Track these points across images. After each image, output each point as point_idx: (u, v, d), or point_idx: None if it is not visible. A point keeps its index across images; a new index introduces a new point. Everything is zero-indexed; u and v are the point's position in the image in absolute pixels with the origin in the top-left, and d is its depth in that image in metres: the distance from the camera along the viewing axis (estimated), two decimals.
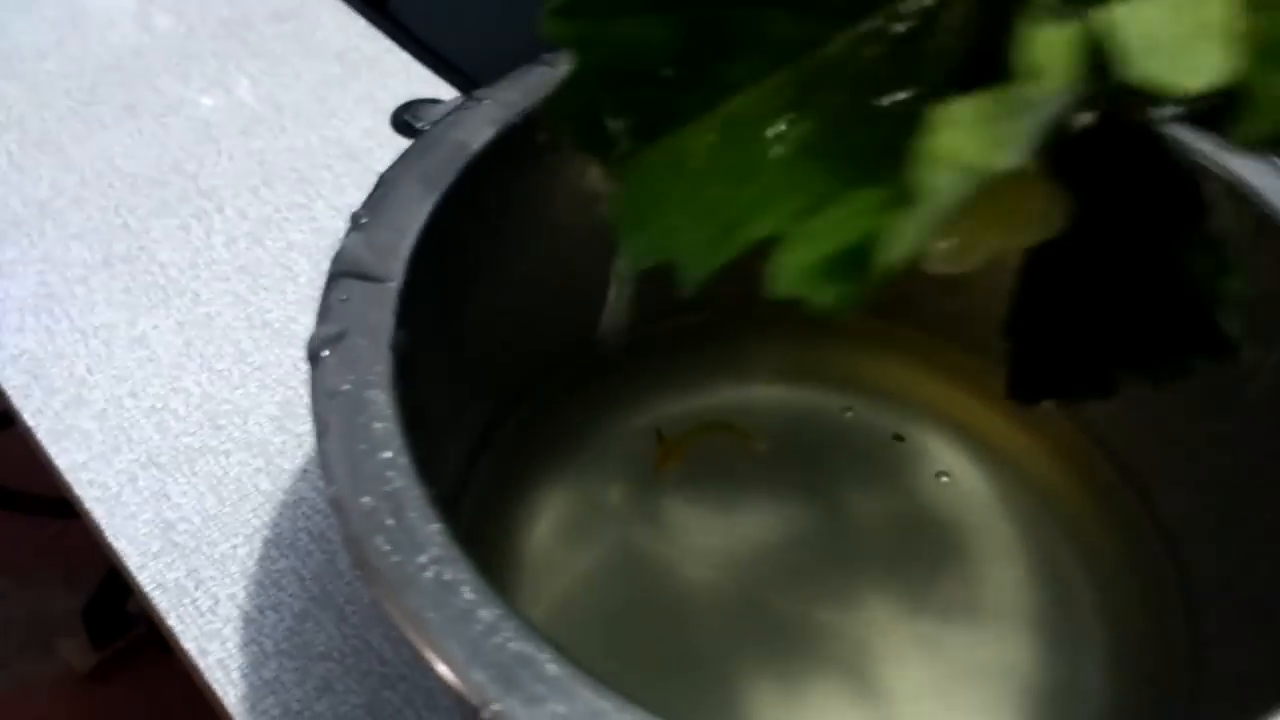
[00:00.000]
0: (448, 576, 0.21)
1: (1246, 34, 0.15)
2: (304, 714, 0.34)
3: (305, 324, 0.44)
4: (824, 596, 0.34)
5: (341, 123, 0.52)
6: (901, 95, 0.17)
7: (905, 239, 0.15)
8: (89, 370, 0.42)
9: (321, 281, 0.44)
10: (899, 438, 0.38)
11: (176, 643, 0.36)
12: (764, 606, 0.34)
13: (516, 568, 0.33)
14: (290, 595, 0.37)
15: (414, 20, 0.56)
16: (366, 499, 0.22)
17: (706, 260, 0.18)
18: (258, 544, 0.38)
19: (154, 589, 0.37)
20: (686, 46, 0.18)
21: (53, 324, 0.44)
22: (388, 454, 0.23)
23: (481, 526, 0.32)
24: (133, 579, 0.37)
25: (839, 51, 0.17)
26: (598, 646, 0.32)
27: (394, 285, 0.26)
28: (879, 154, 0.16)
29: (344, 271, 0.26)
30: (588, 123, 0.19)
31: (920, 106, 0.15)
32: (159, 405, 0.41)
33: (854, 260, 0.16)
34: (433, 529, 0.21)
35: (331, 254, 0.44)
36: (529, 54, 0.55)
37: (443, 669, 0.20)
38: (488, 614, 0.20)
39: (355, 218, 0.27)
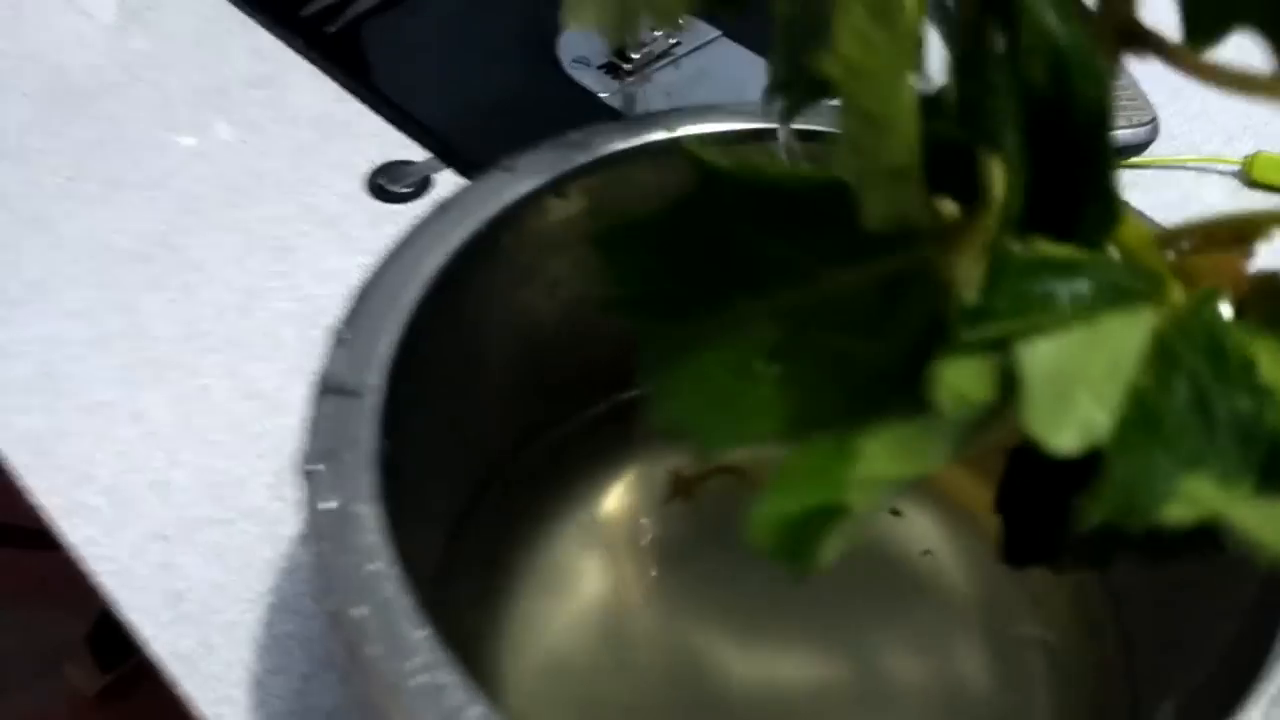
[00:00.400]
0: (437, 680, 0.23)
1: (1136, 390, 0.15)
2: None
3: (296, 393, 0.46)
4: (790, 659, 0.37)
5: (319, 189, 0.54)
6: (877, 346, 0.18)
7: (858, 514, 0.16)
8: (94, 447, 0.45)
9: (308, 350, 0.47)
10: (895, 513, 0.41)
11: (193, 706, 0.39)
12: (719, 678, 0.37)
13: (500, 647, 0.36)
14: (294, 659, 0.40)
15: (386, 84, 0.59)
16: (358, 610, 0.25)
17: (720, 443, 0.19)
18: (262, 609, 0.41)
19: (167, 657, 0.40)
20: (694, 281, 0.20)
21: (55, 403, 0.46)
22: (377, 565, 0.25)
23: (467, 607, 0.35)
24: (148, 649, 0.40)
25: (830, 291, 0.18)
26: None
27: (374, 400, 0.28)
28: (855, 399, 0.18)
29: (328, 388, 0.29)
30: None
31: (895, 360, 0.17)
32: (161, 479, 0.44)
33: (821, 521, 0.17)
34: (420, 636, 0.24)
35: (315, 321, 0.47)
36: (499, 116, 0.57)
37: None
38: (474, 713, 0.23)
39: (338, 335, 0.30)
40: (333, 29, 0.61)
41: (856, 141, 0.17)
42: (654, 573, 0.39)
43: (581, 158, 0.34)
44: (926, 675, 0.37)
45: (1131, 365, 0.16)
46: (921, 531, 0.41)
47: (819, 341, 0.18)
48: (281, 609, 0.41)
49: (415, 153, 0.56)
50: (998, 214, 0.16)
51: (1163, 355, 0.16)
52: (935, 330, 0.17)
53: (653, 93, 0.59)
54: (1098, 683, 0.36)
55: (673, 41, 0.61)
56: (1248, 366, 0.16)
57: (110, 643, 1.14)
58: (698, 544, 0.41)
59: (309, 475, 0.27)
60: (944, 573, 0.40)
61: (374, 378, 0.29)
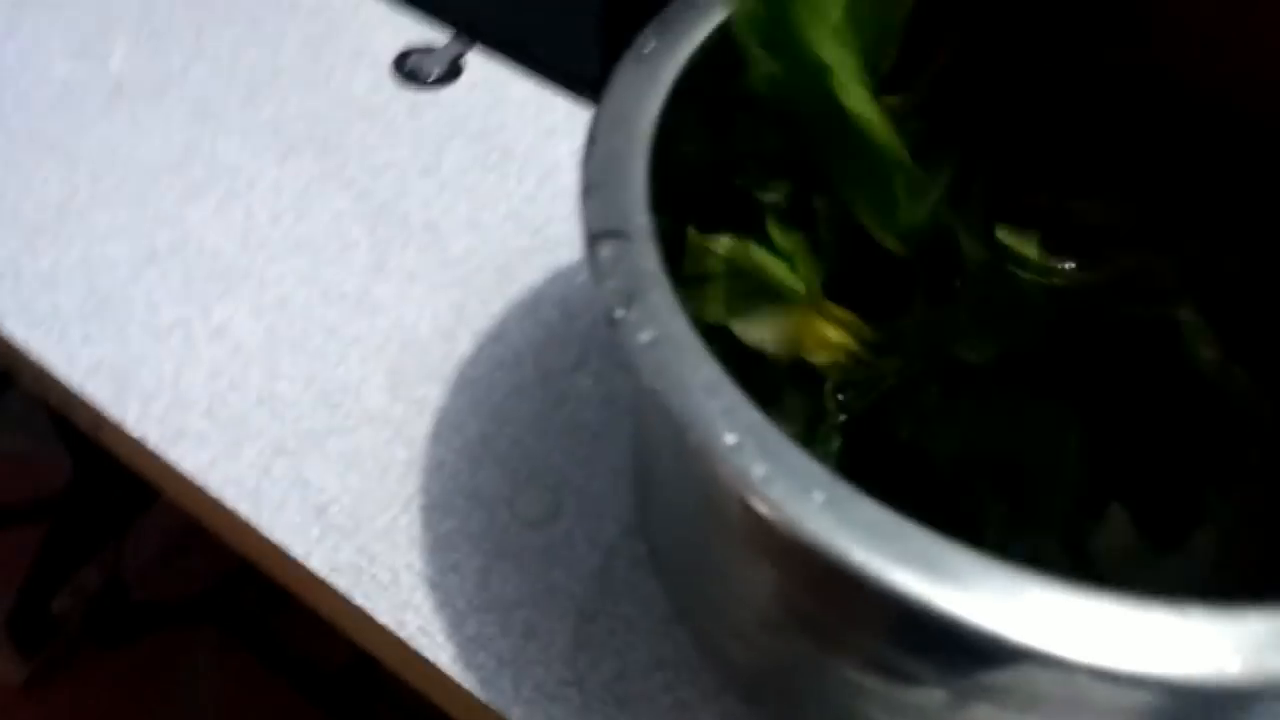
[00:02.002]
0: (838, 505, 0.23)
1: None
2: (517, 661, 0.36)
3: (384, 292, 0.44)
4: None
5: (346, 80, 0.51)
6: None
7: None
8: (178, 369, 0.41)
9: (381, 246, 0.44)
10: None
11: (369, 619, 0.37)
12: None
13: None
14: (465, 554, 0.38)
15: None
16: (729, 437, 0.24)
17: None
18: (415, 511, 0.39)
19: (329, 573, 0.37)
20: None
21: (118, 329, 0.42)
22: (726, 400, 0.24)
23: None
24: (301, 567, 0.38)
25: None
26: None
27: (645, 237, 0.27)
28: None
29: (599, 235, 0.27)
30: None
31: None
32: (265, 394, 0.41)
33: None
34: (807, 461, 0.23)
35: (381, 218, 0.44)
36: None
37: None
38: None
39: (586, 183, 0.28)
40: None
41: None
42: None
43: None
44: None
45: None
46: None
47: None
48: (436, 509, 0.39)
49: (435, 37, 0.52)
50: None
51: None
52: None
53: None
54: None
55: None
56: None
57: (32, 626, 1.06)
58: None
59: (616, 322, 0.26)
60: None
61: (638, 217, 0.27)
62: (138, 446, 0.40)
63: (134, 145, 0.48)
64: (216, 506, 0.39)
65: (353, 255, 0.45)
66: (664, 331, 0.26)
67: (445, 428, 0.40)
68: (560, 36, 0.53)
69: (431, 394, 0.41)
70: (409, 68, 0.51)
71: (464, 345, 0.43)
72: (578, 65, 0.51)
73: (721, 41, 0.32)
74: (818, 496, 0.22)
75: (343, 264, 0.45)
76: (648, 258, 0.27)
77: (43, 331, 0.42)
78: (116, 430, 0.40)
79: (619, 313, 0.26)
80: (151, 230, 0.45)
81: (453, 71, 0.51)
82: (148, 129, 0.48)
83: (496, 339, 0.43)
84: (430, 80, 0.50)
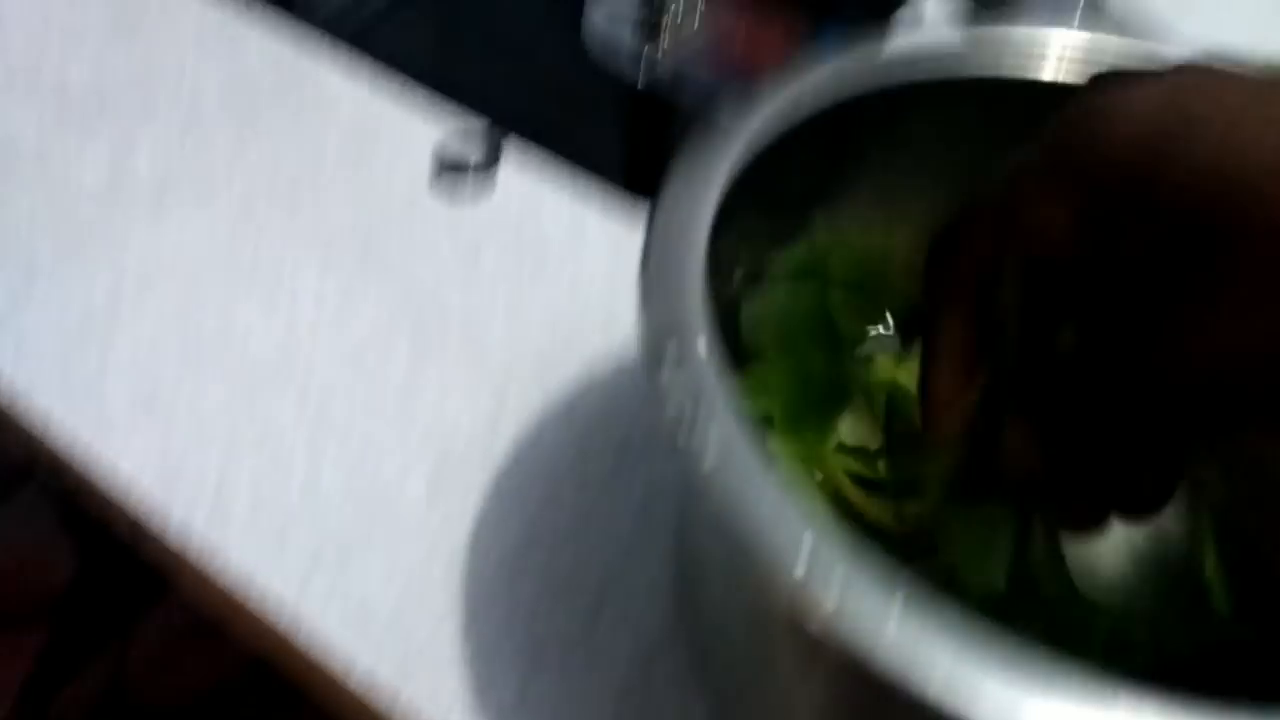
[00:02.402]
0: (910, 636, 0.23)
1: None
2: None
3: (423, 398, 0.44)
4: None
5: (383, 179, 0.52)
6: None
7: None
8: (221, 473, 0.42)
9: (424, 340, 0.45)
10: None
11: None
12: None
13: None
14: (501, 669, 0.38)
15: (421, 70, 0.56)
16: (798, 568, 0.24)
17: None
18: (454, 624, 0.39)
19: (367, 691, 0.37)
20: None
21: (163, 431, 0.43)
22: (793, 529, 0.24)
23: None
24: (338, 684, 0.37)
25: None
26: None
27: (708, 354, 0.27)
28: None
29: (658, 353, 0.28)
30: None
31: None
32: (307, 501, 0.41)
33: None
34: (876, 588, 0.23)
35: (423, 313, 0.44)
36: (541, 85, 0.56)
37: None
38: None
39: (644, 295, 0.29)
40: (352, 27, 0.58)
41: None
42: None
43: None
44: None
45: None
46: None
47: None
48: (475, 621, 0.39)
49: (471, 126, 0.53)
50: None
51: None
52: None
53: (670, 57, 0.59)
54: None
55: (697, 25, 0.61)
56: None
57: None
58: None
59: (680, 450, 0.26)
60: None
61: (698, 331, 0.28)
62: (178, 553, 0.40)
63: (180, 248, 0.49)
64: (256, 622, 0.39)
65: (393, 360, 0.45)
66: (729, 458, 0.26)
67: (483, 537, 0.41)
68: (591, 139, 0.54)
69: (469, 502, 0.41)
70: (448, 161, 0.52)
71: (500, 452, 0.43)
72: (607, 163, 0.52)
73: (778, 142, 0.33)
74: (890, 629, 0.23)
75: (383, 369, 0.45)
76: (709, 376, 0.28)
77: (89, 433, 0.42)
78: (159, 534, 0.40)
79: (682, 440, 0.26)
80: (197, 333, 0.46)
81: (491, 159, 0.52)
82: (193, 232, 0.49)
83: (533, 445, 0.43)
84: (470, 167, 0.51)
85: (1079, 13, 0.62)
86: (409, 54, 0.57)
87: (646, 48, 0.59)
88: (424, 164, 0.52)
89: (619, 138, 0.57)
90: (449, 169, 0.51)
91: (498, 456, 0.43)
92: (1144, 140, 0.25)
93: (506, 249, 0.49)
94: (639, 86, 0.58)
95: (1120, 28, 0.54)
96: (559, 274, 0.49)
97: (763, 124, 0.34)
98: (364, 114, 0.55)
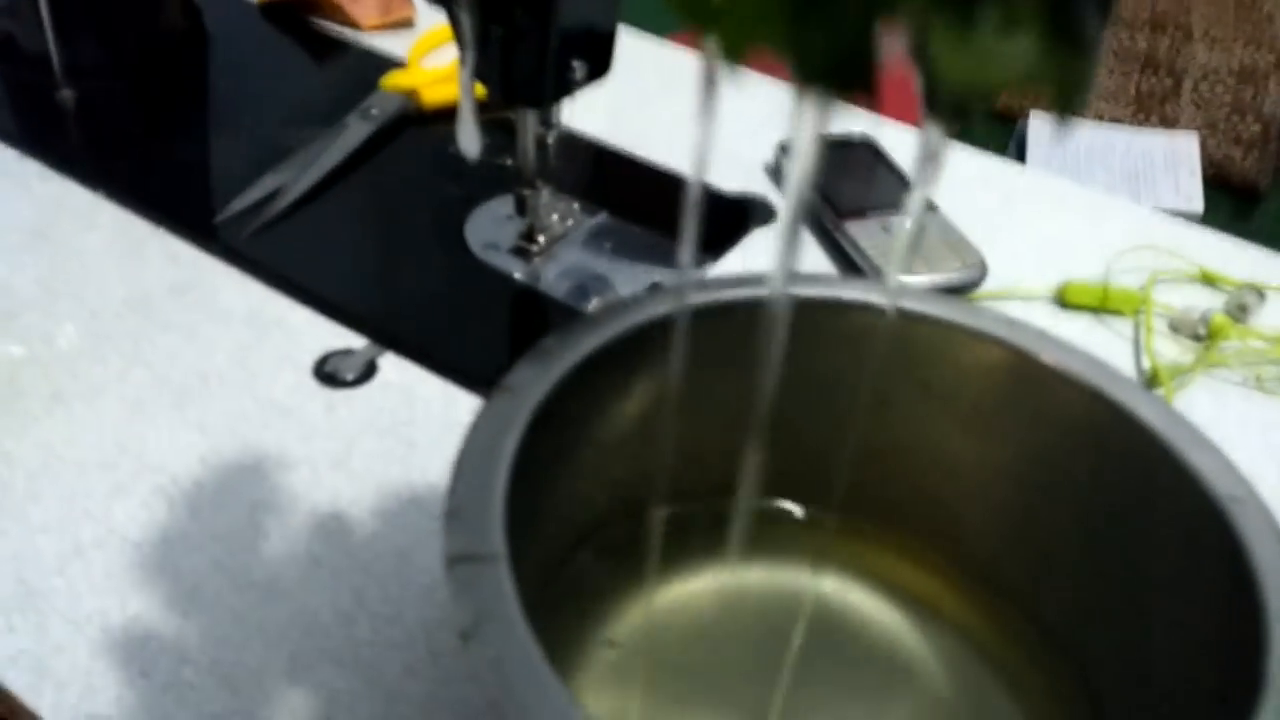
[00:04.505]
0: None
1: None
2: None
3: (291, 579, 0.48)
4: None
5: (269, 383, 0.56)
6: None
7: None
8: (91, 659, 0.45)
9: (293, 535, 0.49)
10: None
11: None
12: None
13: None
14: None
15: (310, 279, 0.62)
16: None
17: None
18: None
19: None
20: None
21: (41, 620, 0.46)
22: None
23: None
24: None
25: None
26: None
27: (502, 558, 0.32)
28: None
29: (458, 557, 0.32)
30: None
31: None
32: (172, 681, 0.44)
33: None
34: None
35: (292, 509, 0.49)
36: (425, 299, 0.61)
37: None
38: None
39: (448, 513, 0.33)
40: (248, 232, 0.64)
41: None
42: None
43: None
44: None
45: None
46: (896, 629, 0.46)
47: None
48: None
49: (353, 340, 0.59)
50: None
51: None
52: None
53: (557, 268, 0.65)
54: None
55: (569, 224, 0.67)
56: None
57: None
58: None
59: (465, 642, 0.30)
60: (919, 666, 0.45)
61: (495, 542, 0.32)
62: None
63: (68, 445, 0.53)
64: None
65: (263, 545, 0.49)
66: (507, 652, 0.30)
67: (340, 708, 0.44)
68: (466, 342, 0.60)
69: (329, 675, 0.45)
70: (328, 370, 0.57)
71: (363, 628, 0.47)
72: (480, 367, 0.57)
73: (580, 377, 0.39)
74: None
75: (254, 554, 0.49)
76: (501, 581, 0.32)
77: None
78: (35, 716, 0.43)
79: (467, 634, 0.31)
80: (78, 525, 0.49)
81: (368, 372, 0.57)
82: (83, 429, 0.53)
83: (392, 622, 0.47)
84: (348, 381, 0.56)
85: (912, 215, 0.69)
86: (298, 267, 0.63)
87: (525, 246, 0.65)
88: (307, 368, 0.57)
89: (504, 334, 0.63)
90: (328, 381, 0.56)
91: (360, 632, 0.46)
92: None
93: (380, 440, 0.54)
94: (520, 284, 0.63)
95: (943, 231, 0.61)
96: (428, 463, 0.53)
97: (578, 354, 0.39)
98: (254, 322, 0.60)
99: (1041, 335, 0.41)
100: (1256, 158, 1.93)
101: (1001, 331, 0.41)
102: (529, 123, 0.61)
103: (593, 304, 0.63)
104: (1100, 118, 1.93)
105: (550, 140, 0.62)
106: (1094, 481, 0.39)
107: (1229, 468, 0.36)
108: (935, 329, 0.42)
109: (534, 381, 0.38)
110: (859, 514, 0.46)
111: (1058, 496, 0.42)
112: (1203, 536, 0.35)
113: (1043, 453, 0.42)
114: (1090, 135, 1.85)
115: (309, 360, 0.58)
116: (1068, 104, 0.23)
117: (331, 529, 0.50)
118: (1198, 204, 1.84)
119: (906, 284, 0.64)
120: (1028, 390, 0.40)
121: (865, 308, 0.43)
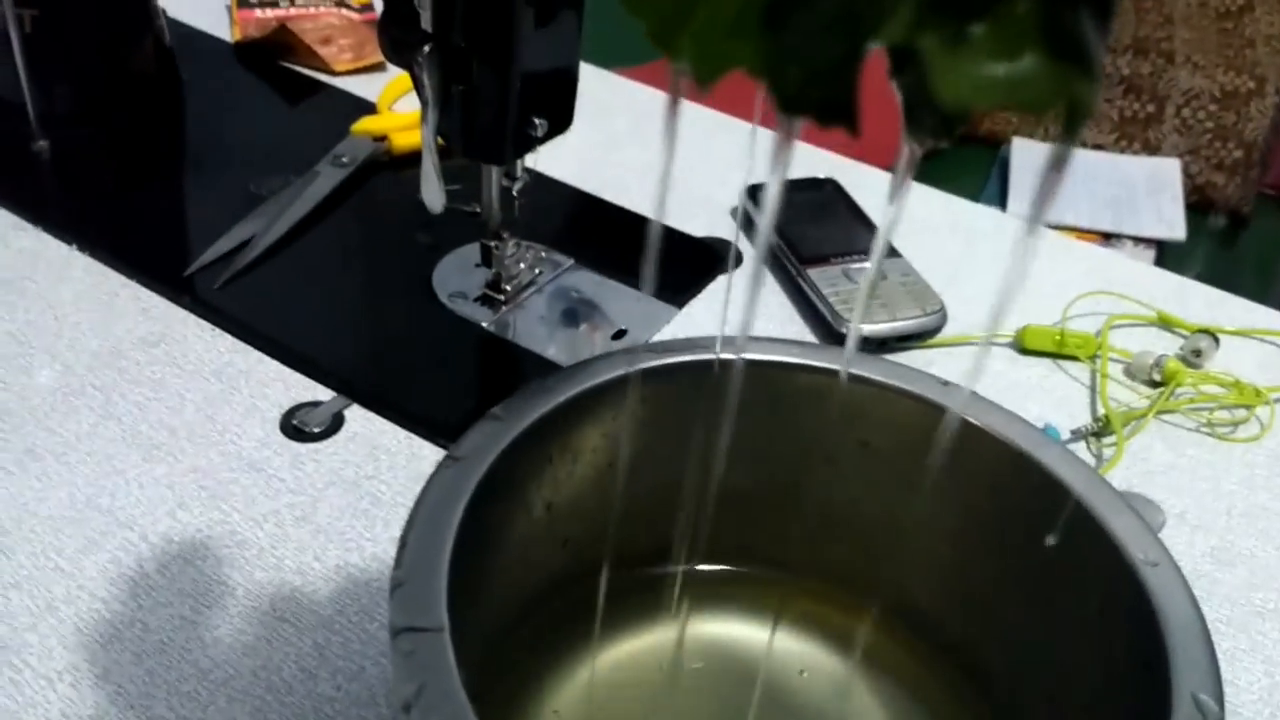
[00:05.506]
0: None
1: None
2: None
3: (255, 634, 0.49)
4: None
5: (235, 436, 0.58)
6: None
7: None
8: (64, 714, 0.46)
9: (256, 590, 0.50)
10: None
11: None
12: None
13: None
14: None
15: (279, 331, 0.63)
16: None
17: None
18: None
19: None
20: None
21: (15, 675, 0.47)
22: None
23: None
24: None
25: None
26: None
27: (445, 630, 0.33)
28: None
29: (402, 628, 0.33)
30: None
31: None
32: None
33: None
34: None
35: (258, 564, 0.50)
36: (392, 351, 0.63)
37: None
38: None
39: (393, 585, 0.35)
40: (218, 284, 0.65)
41: None
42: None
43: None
44: None
45: None
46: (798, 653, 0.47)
47: None
48: None
49: (320, 393, 0.60)
50: None
51: None
52: None
53: (524, 317, 0.66)
54: None
55: (537, 272, 0.68)
56: None
57: None
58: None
59: (409, 709, 0.31)
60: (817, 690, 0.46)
61: (439, 613, 0.34)
62: None
63: (40, 501, 0.54)
64: None
65: (229, 601, 0.50)
66: None
67: None
68: (434, 392, 0.61)
69: None
70: (295, 423, 0.58)
71: (325, 684, 0.48)
72: (447, 418, 0.59)
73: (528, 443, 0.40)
74: None
75: (220, 609, 0.50)
76: (443, 652, 0.33)
77: None
78: None
79: (408, 704, 0.32)
80: (50, 580, 0.51)
81: (335, 425, 0.58)
82: (55, 484, 0.55)
83: (353, 678, 0.48)
84: (315, 434, 0.58)
85: (874, 280, 0.70)
86: (266, 319, 0.64)
87: (492, 295, 0.67)
88: (275, 421, 0.59)
89: (472, 384, 0.64)
90: (295, 434, 0.58)
91: (322, 688, 0.47)
92: None
93: (345, 498, 0.55)
94: (488, 333, 0.65)
95: (904, 276, 0.62)
96: (391, 520, 0.54)
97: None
98: (223, 375, 0.61)
99: (974, 398, 0.42)
100: (1239, 183, 1.95)
101: (934, 394, 0.42)
102: (493, 177, 0.62)
103: (552, 351, 0.64)
104: (1082, 143, 1.94)
105: (515, 191, 0.64)
106: (1025, 542, 0.41)
107: (1145, 531, 0.37)
108: (872, 389, 0.43)
109: (481, 450, 0.39)
110: (806, 573, 0.47)
111: (993, 553, 0.43)
112: (1121, 598, 0.36)
113: (977, 512, 0.43)
114: (1072, 161, 1.87)
115: (276, 413, 0.59)
116: (1071, 124, 0.22)
117: (296, 585, 0.51)
118: (1180, 230, 1.85)
119: (859, 339, 0.65)
120: (961, 451, 0.41)
121: (812, 370, 0.45)
